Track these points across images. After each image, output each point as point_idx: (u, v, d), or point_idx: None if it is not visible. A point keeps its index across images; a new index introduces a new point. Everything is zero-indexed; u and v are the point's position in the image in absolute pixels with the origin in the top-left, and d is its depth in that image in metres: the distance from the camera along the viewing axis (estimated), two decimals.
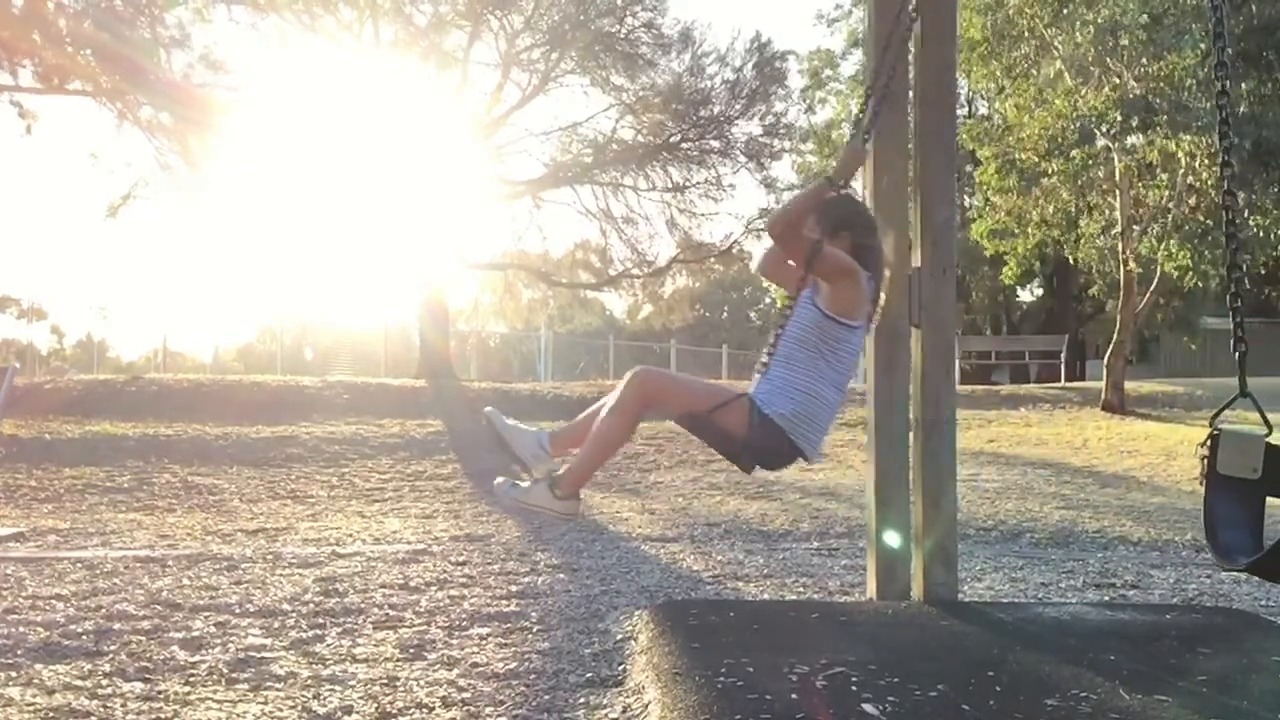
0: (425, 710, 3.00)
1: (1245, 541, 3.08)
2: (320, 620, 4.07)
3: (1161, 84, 13.46)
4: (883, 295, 3.60)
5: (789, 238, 3.33)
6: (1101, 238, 16.02)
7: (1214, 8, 3.32)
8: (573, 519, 3.56)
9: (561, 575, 5.06)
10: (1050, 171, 15.43)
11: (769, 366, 3.40)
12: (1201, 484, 3.19)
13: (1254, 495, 3.14)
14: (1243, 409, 3.17)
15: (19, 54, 12.37)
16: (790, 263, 3.43)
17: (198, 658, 3.50)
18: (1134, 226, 15.04)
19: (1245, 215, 14.20)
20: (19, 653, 3.56)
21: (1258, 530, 3.13)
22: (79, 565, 5.18)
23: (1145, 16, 13.44)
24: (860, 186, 4.03)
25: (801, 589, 4.79)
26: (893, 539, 3.98)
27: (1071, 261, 19.29)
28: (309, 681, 3.26)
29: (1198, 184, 13.97)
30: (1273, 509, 3.16)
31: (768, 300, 47.89)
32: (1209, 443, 3.17)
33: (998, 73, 15.26)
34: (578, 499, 3.41)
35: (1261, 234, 14.45)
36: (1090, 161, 15.15)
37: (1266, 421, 3.14)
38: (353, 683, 3.25)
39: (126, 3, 12.94)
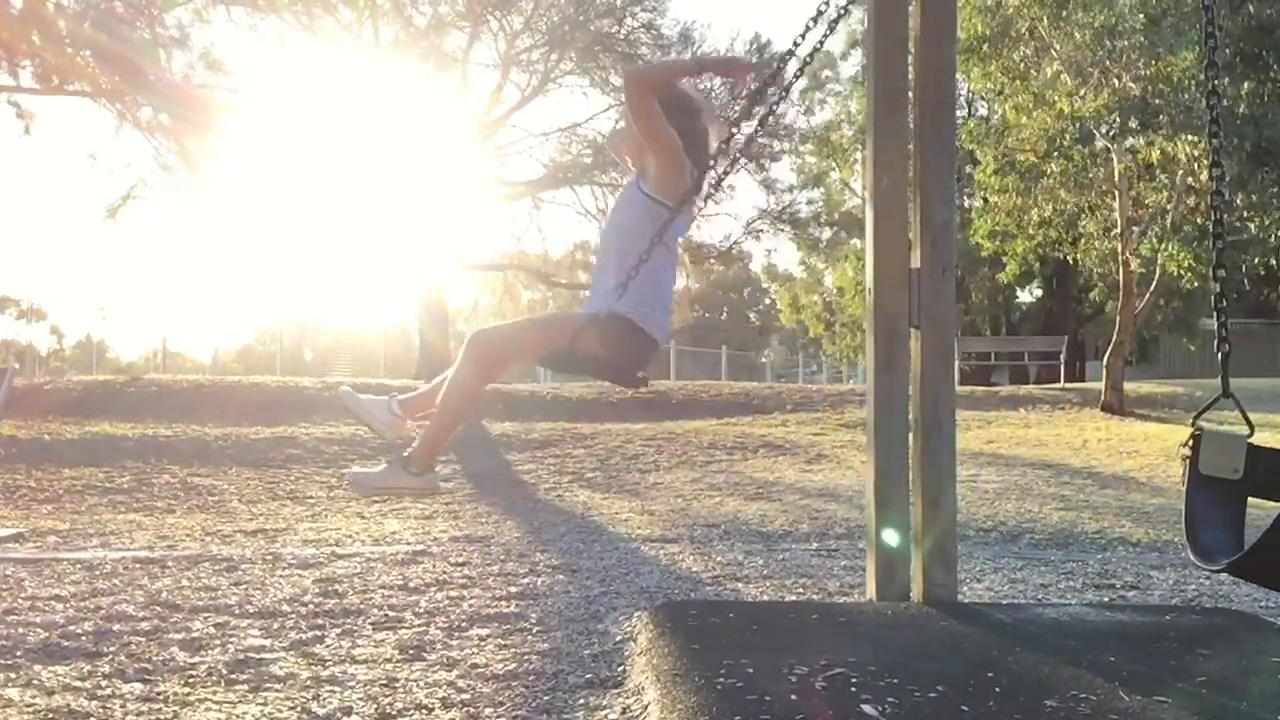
0: (425, 711, 3.00)
1: (1225, 542, 3.09)
2: (320, 621, 4.07)
3: (1160, 85, 13.47)
4: (706, 184, 3.61)
5: (642, 99, 3.35)
6: (1101, 239, 16.02)
7: (1205, 8, 3.33)
8: (432, 494, 3.55)
9: (561, 576, 5.06)
10: (1049, 172, 15.43)
11: (607, 270, 3.41)
12: (1183, 484, 3.19)
13: (1235, 496, 3.14)
14: (1228, 410, 3.17)
15: (19, 54, 12.36)
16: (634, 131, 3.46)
17: (197, 659, 3.51)
18: (1133, 228, 15.04)
19: (1244, 216, 14.21)
20: (18, 654, 3.56)
21: (1238, 531, 3.13)
22: (78, 566, 5.18)
23: (1142, 18, 13.44)
24: (860, 187, 4.05)
25: (801, 590, 4.79)
26: (892, 539, 3.98)
27: (1071, 262, 19.29)
28: (308, 682, 3.26)
29: (1197, 185, 13.97)
30: (1253, 510, 3.16)
31: (767, 301, 47.92)
32: (1191, 443, 3.18)
33: (997, 73, 15.26)
34: (434, 472, 3.43)
35: (1262, 235, 14.45)
36: (1092, 161, 15.15)
37: (1249, 422, 3.14)
38: (352, 684, 3.25)
39: (126, 4, 12.94)
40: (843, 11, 3.81)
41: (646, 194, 3.42)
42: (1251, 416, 3.13)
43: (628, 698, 3.07)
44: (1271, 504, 3.03)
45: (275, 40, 16.17)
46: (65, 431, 10.62)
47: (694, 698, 2.71)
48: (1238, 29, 13.33)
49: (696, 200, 3.56)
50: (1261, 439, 3.13)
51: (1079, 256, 17.11)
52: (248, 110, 14.51)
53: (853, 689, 2.78)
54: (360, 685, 3.24)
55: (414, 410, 3.57)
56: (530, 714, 2.98)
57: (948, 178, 4.12)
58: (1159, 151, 13.86)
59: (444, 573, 5.05)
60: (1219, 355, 3.16)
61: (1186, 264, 14.33)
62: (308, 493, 8.29)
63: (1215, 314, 3.21)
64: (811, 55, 3.87)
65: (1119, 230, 15.13)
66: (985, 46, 14.94)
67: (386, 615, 4.17)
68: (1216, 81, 3.32)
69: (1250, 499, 3.13)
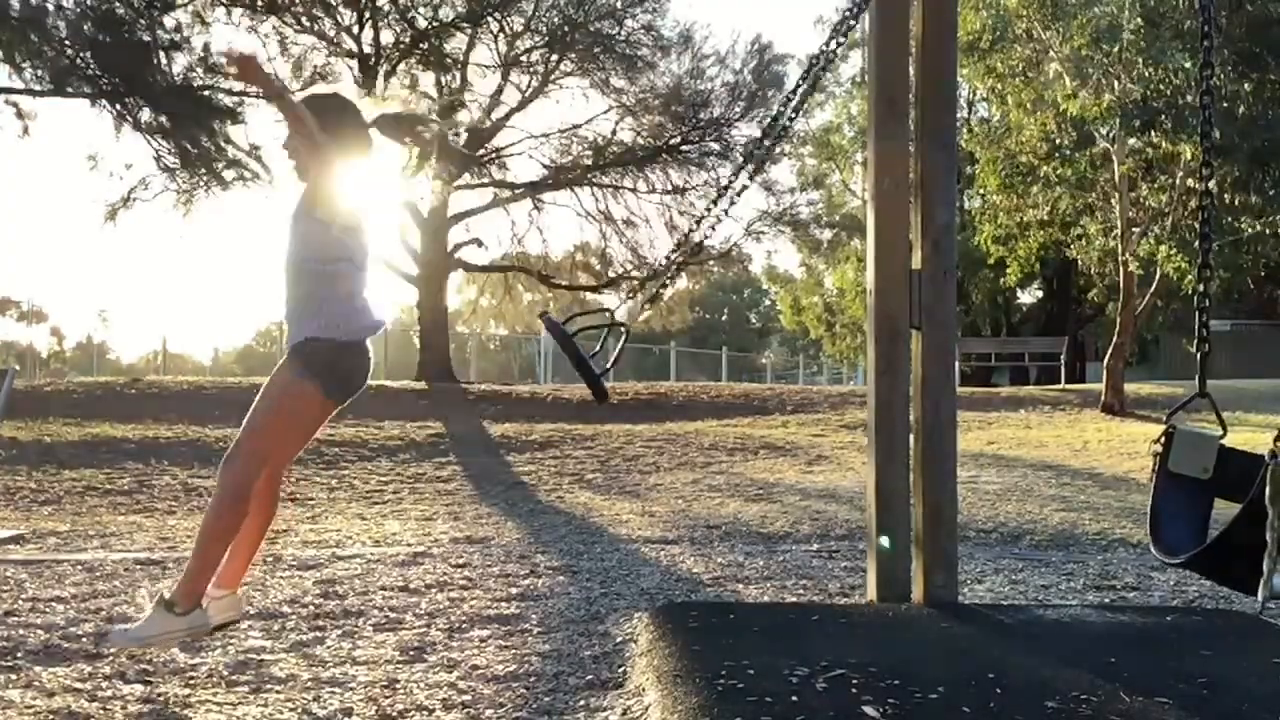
0: (425, 713, 3.00)
1: (1188, 541, 3.10)
2: (320, 622, 4.07)
3: (1159, 85, 13.47)
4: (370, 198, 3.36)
5: (282, 105, 3.20)
6: (1102, 239, 16.01)
7: (1202, 8, 3.34)
8: (203, 633, 3.16)
9: (561, 578, 5.06)
10: (1047, 175, 15.42)
11: (291, 302, 3.22)
12: (1152, 479, 3.20)
13: (1203, 495, 3.15)
14: (1256, 411, 3.18)
15: (19, 56, 12.36)
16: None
17: (198, 660, 3.50)
18: (1133, 229, 15.04)
19: (1242, 217, 14.20)
20: (19, 655, 3.57)
21: (1202, 530, 3.14)
22: (79, 567, 5.18)
23: (1139, 20, 13.44)
24: (861, 188, 4.04)
25: (802, 591, 4.79)
26: (893, 541, 3.98)
27: (1072, 261, 19.28)
28: (309, 684, 3.26)
29: (1199, 187, 13.95)
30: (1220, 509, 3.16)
31: (767, 302, 47.92)
32: (1163, 440, 3.18)
33: (999, 65, 15.21)
34: (202, 609, 3.13)
35: (1269, 231, 14.43)
36: (1092, 163, 15.14)
37: (1222, 424, 3.15)
38: (353, 685, 3.25)
39: (126, 5, 12.94)
40: (853, 21, 3.83)
41: (306, 213, 3.22)
42: (1256, 418, 3.14)
43: (629, 699, 3.07)
44: (1238, 504, 3.04)
45: (275, 42, 16.17)
46: (66, 433, 10.62)
47: (695, 699, 2.71)
48: (1239, 28, 13.33)
49: (366, 215, 3.28)
50: (1237, 440, 3.14)
51: (1080, 255, 17.10)
52: (247, 112, 14.48)
53: (854, 690, 2.78)
54: (361, 686, 3.24)
55: (235, 574, 3.27)
56: (531, 715, 2.98)
57: (948, 179, 4.13)
58: (1162, 152, 13.86)
59: (444, 574, 5.05)
60: (1198, 356, 3.17)
61: (1183, 265, 14.33)
62: (308, 494, 8.29)
63: (1197, 314, 3.22)
64: (822, 63, 3.86)
65: (1119, 231, 15.13)
66: (985, 41, 14.91)
67: (387, 616, 4.17)
68: (1211, 80, 3.33)
69: (1219, 499, 3.14)
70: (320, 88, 3.35)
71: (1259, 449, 3.06)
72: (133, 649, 3.00)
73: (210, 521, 3.17)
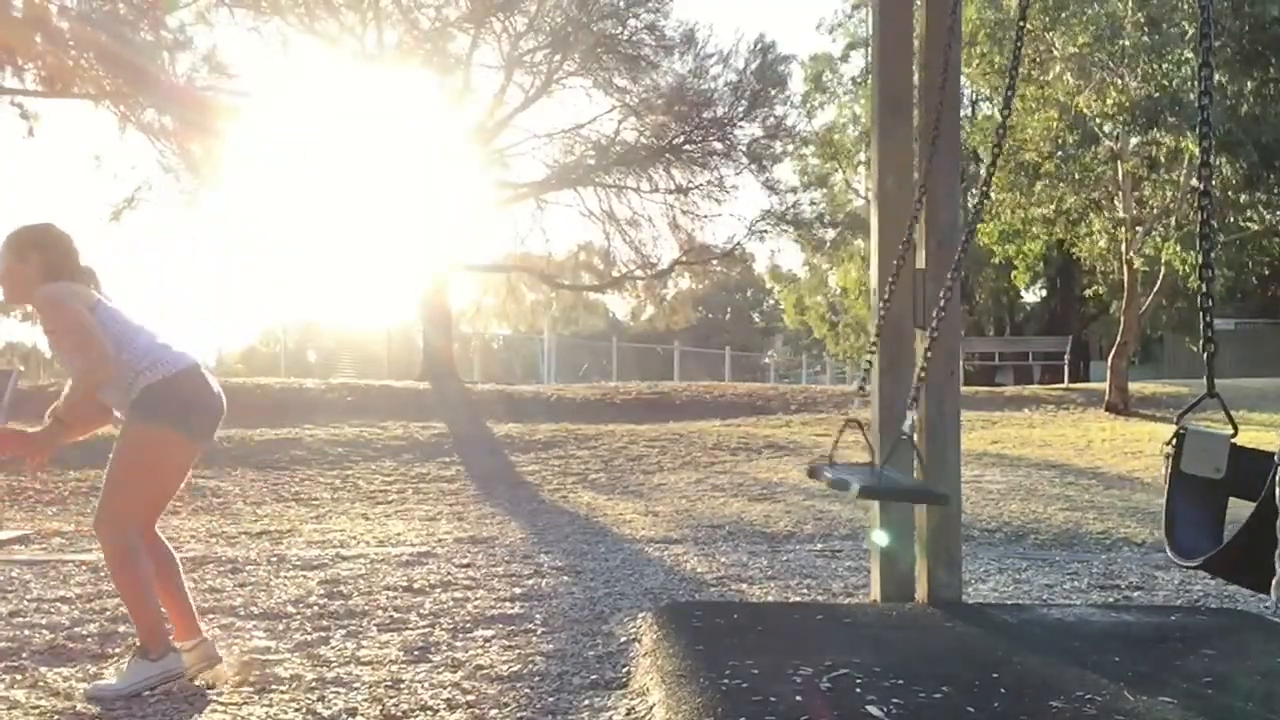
0: (430, 712, 3.00)
1: (1203, 542, 3.09)
2: (324, 623, 4.08)
3: (1162, 82, 13.45)
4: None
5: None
6: (1106, 237, 15.98)
7: (1201, 8, 3.34)
8: (179, 676, 3.20)
9: (565, 577, 5.07)
10: (1050, 172, 15.40)
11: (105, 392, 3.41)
12: (1165, 482, 3.20)
13: (1216, 495, 3.14)
14: (1270, 411, 3.18)
15: (22, 57, 12.38)
16: None
17: None
18: (1137, 228, 15.01)
19: (1247, 215, 14.18)
20: (24, 655, 3.58)
21: (1217, 531, 3.13)
22: (84, 568, 5.19)
23: (1141, 16, 13.41)
24: (864, 187, 4.03)
25: (805, 591, 4.79)
26: (896, 540, 3.98)
27: (1076, 260, 19.24)
28: (313, 684, 3.27)
29: (1199, 186, 13.90)
30: (1234, 510, 3.15)
31: (770, 301, 47.89)
32: (1174, 441, 3.18)
33: (1000, 61, 15.17)
34: (175, 651, 3.22)
35: (1277, 226, 14.40)
36: (1098, 165, 15.11)
37: (1233, 423, 3.14)
38: (357, 685, 3.26)
39: (129, 6, 12.96)
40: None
41: (49, 334, 3.42)
42: (1260, 416, 3.14)
43: (632, 699, 3.07)
44: (1252, 503, 3.04)
45: (278, 43, 16.17)
46: None
47: (699, 699, 2.71)
48: (1239, 28, 13.31)
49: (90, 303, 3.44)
50: (1244, 439, 3.13)
51: (1084, 254, 17.06)
52: (251, 113, 14.51)
53: (857, 690, 2.78)
54: (365, 686, 3.24)
55: (185, 628, 3.33)
56: (535, 715, 2.99)
57: (952, 179, 4.12)
58: (1166, 149, 13.83)
59: (448, 574, 5.06)
60: (1204, 355, 3.16)
61: (1190, 263, 14.30)
62: (312, 494, 8.30)
63: (1201, 314, 3.21)
64: None
65: (1124, 230, 15.11)
66: (981, 38, 14.88)
67: (391, 617, 4.18)
68: (1209, 81, 3.32)
69: (1233, 499, 3.13)
70: (35, 233, 3.48)
71: (1268, 448, 3.06)
72: (115, 702, 3.06)
73: (119, 583, 3.26)
